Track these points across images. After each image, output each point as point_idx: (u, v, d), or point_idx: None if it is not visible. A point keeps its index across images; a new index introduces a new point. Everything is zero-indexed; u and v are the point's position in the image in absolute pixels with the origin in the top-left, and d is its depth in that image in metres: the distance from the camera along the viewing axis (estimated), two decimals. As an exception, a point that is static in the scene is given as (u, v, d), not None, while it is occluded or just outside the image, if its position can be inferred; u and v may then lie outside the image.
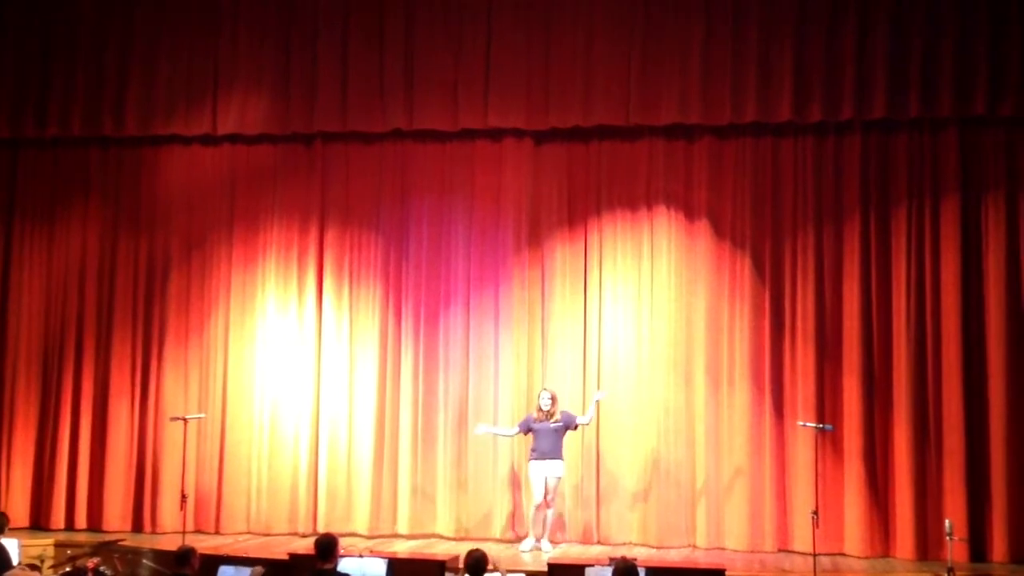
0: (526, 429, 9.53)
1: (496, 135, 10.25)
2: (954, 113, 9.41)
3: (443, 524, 10.08)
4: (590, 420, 9.58)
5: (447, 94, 10.03)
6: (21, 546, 8.57)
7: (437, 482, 10.16)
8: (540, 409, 9.44)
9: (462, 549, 7.85)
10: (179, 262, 10.63)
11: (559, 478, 9.43)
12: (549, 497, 9.39)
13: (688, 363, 9.89)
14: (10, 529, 8.59)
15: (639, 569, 6.81)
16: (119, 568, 8.56)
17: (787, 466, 9.63)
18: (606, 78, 9.79)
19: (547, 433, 9.36)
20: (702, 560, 9.18)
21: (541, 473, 9.36)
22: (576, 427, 9.51)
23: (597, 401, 9.57)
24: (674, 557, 9.26)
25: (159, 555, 9.03)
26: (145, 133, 10.47)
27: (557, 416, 9.41)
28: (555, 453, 9.35)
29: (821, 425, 9.14)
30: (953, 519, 8.39)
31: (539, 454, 9.38)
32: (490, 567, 6.81)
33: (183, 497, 9.37)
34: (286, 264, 10.55)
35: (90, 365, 10.54)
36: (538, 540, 9.41)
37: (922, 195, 9.62)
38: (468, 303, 10.30)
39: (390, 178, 10.49)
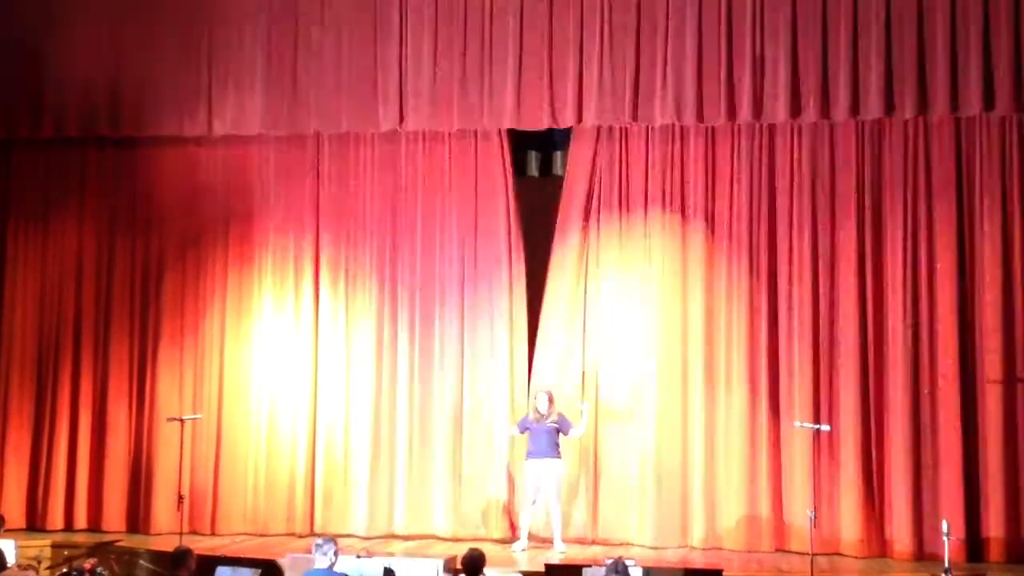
0: (523, 429, 9.56)
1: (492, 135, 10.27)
2: (948, 112, 9.39)
3: (440, 524, 10.09)
4: (584, 430, 9.62)
5: (444, 94, 10.01)
6: (18, 547, 8.54)
7: (433, 482, 10.16)
8: (536, 410, 9.46)
9: (459, 549, 7.84)
10: (175, 262, 10.61)
11: (559, 476, 9.45)
12: (552, 497, 9.39)
13: (684, 364, 9.88)
14: (6, 530, 8.57)
15: (637, 569, 6.82)
16: (116, 569, 8.55)
17: (784, 466, 9.63)
18: (601, 78, 9.77)
19: (542, 433, 9.38)
20: (699, 560, 9.18)
21: (536, 473, 9.38)
22: (568, 434, 9.50)
23: (583, 411, 9.61)
24: (671, 557, 9.26)
25: (156, 556, 9.01)
26: (141, 134, 10.45)
27: (554, 417, 9.43)
28: (551, 452, 9.37)
29: (818, 426, 9.15)
30: (949, 519, 8.38)
31: (535, 454, 9.39)
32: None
33: (180, 498, 9.36)
34: (282, 264, 10.54)
35: (86, 365, 10.52)
36: (555, 542, 9.39)
37: (916, 194, 9.62)
38: (463, 303, 10.30)
39: (386, 177, 10.48)
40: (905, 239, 9.57)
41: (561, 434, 9.46)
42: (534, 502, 9.45)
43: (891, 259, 9.59)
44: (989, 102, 9.26)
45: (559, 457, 9.43)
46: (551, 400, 9.47)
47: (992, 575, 8.65)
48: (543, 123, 9.96)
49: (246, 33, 10.26)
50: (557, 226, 10.19)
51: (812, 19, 9.50)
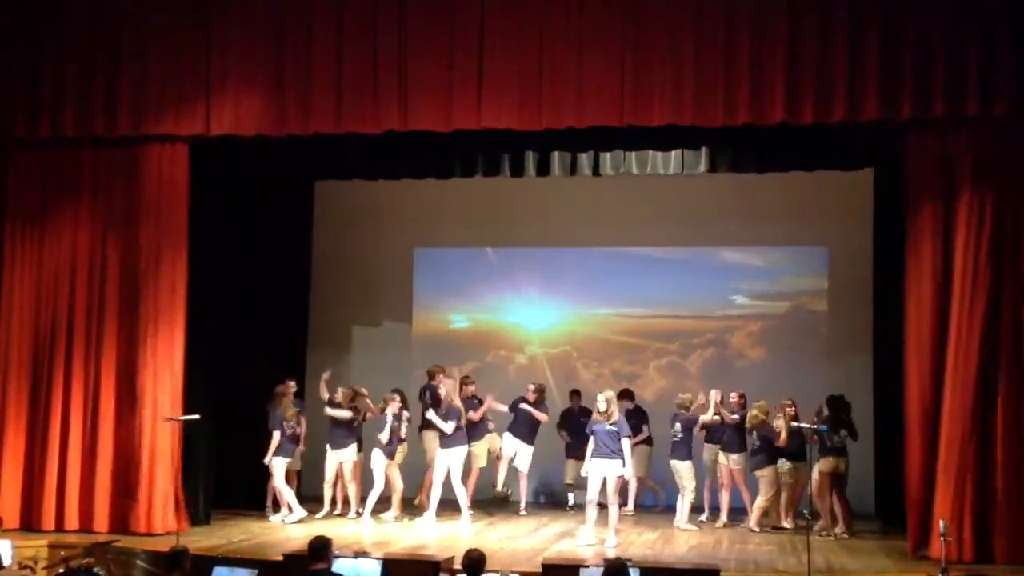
0: (590, 430, 9.82)
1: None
2: (946, 114, 9.36)
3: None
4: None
5: (441, 95, 9.98)
6: (14, 547, 8.54)
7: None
8: (598, 411, 9.66)
9: (459, 548, 7.84)
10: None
11: (619, 476, 9.61)
12: (609, 495, 9.58)
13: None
14: (3, 531, 8.55)
15: (635, 568, 6.82)
16: (112, 569, 8.54)
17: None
18: (599, 79, 9.75)
19: (604, 433, 9.61)
20: (696, 560, 9.18)
21: (599, 471, 9.58)
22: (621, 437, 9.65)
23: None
24: (668, 557, 9.26)
25: (152, 556, 8.99)
26: (137, 133, 10.42)
27: (614, 418, 9.62)
28: (613, 452, 9.57)
29: (815, 427, 9.14)
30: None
31: (597, 453, 9.62)
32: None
33: (176, 498, 9.35)
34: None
35: (80, 365, 10.44)
36: (609, 537, 9.58)
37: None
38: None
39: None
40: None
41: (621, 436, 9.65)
42: (591, 501, 9.66)
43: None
44: (988, 105, 9.24)
45: (619, 458, 9.57)
46: (610, 401, 9.68)
47: (991, 575, 8.62)
48: (541, 123, 9.95)
49: (244, 32, 10.24)
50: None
51: (810, 20, 9.48)
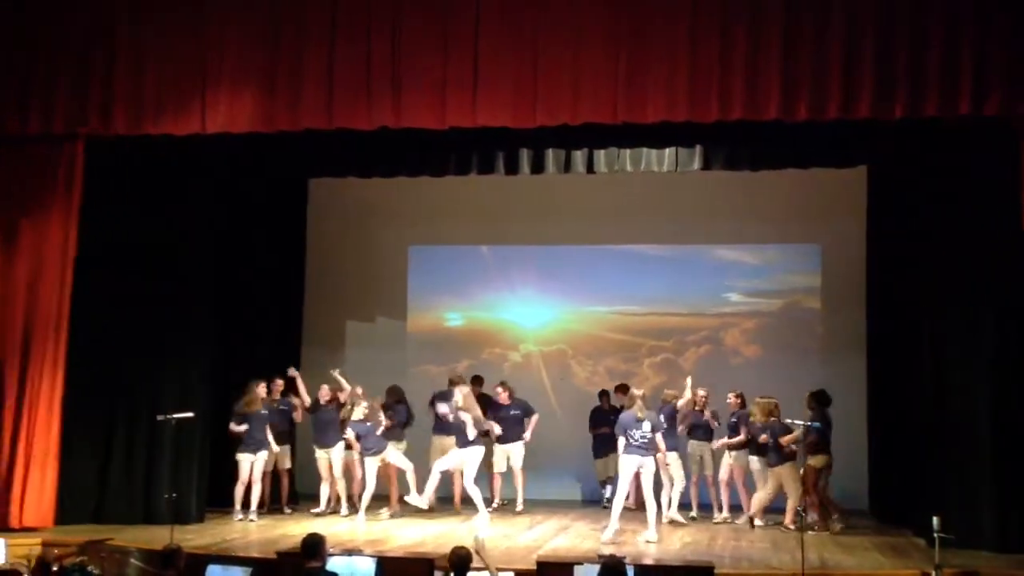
0: None
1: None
2: (939, 113, 9.36)
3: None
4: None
5: (435, 92, 9.95)
6: (7, 546, 8.53)
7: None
8: None
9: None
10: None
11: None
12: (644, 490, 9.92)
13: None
14: (-3, 529, 8.55)
15: (630, 566, 6.83)
16: (106, 567, 8.52)
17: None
18: (594, 76, 9.73)
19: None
20: (690, 557, 9.18)
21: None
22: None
23: None
24: (662, 553, 9.26)
25: (146, 554, 8.97)
26: (134, 132, 10.36)
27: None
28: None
29: (810, 424, 9.15)
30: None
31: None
32: (475, 564, 6.84)
33: (170, 495, 9.35)
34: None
35: (68, 364, 10.34)
36: (649, 530, 9.74)
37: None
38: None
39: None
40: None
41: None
42: (628, 495, 10.11)
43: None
44: (980, 103, 9.22)
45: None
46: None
47: (984, 570, 8.63)
48: (536, 121, 9.92)
49: (238, 29, 10.20)
50: None
51: (805, 19, 9.48)
